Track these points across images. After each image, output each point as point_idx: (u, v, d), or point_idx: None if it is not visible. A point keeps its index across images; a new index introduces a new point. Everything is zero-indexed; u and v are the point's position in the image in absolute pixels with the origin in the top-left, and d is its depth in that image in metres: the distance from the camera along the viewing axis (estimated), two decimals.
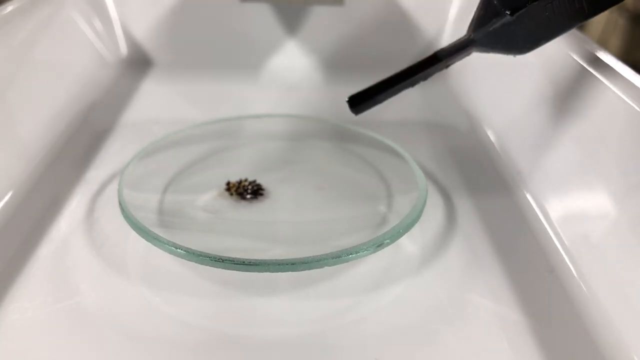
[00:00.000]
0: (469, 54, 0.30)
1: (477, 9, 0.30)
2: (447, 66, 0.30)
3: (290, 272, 0.28)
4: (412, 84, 0.30)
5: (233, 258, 0.26)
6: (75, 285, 0.28)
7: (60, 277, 0.29)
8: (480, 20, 0.30)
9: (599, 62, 0.34)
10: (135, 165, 0.34)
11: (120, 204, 0.30)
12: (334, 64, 0.55)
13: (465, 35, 0.30)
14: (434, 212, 0.34)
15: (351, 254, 0.27)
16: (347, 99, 0.31)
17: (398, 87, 0.30)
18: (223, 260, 0.26)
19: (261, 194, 0.35)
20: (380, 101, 0.31)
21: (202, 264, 0.27)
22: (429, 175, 0.38)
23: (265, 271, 0.26)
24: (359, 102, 0.31)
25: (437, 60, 0.30)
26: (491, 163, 0.40)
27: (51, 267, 0.29)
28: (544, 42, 0.30)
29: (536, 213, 0.34)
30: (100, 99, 0.49)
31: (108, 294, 0.28)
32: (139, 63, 0.55)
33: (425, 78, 0.30)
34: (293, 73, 0.54)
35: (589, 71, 0.34)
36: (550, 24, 0.29)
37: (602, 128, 0.32)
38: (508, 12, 0.28)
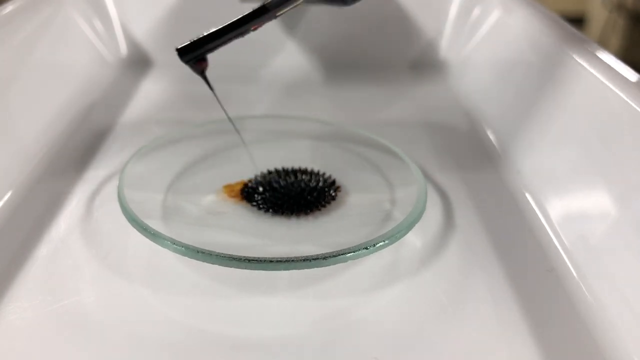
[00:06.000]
0: (297, 4, 0.31)
1: None
2: (276, 16, 0.31)
3: (289, 271, 0.28)
4: (242, 35, 0.31)
5: (258, 257, 0.26)
6: (74, 284, 0.28)
7: (59, 276, 0.29)
8: None
9: (599, 62, 0.34)
10: (135, 164, 0.34)
11: (120, 201, 0.30)
12: (334, 64, 0.55)
13: None
14: (434, 211, 0.34)
15: (354, 251, 0.27)
16: (176, 49, 0.32)
17: (227, 37, 0.31)
18: (249, 261, 0.26)
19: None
20: (209, 50, 0.32)
21: (220, 264, 0.26)
22: (429, 175, 0.38)
23: (291, 269, 0.26)
24: (189, 51, 0.32)
25: (266, 11, 0.31)
26: (491, 163, 0.40)
27: (50, 266, 0.29)
28: None
29: (536, 213, 0.34)
30: (100, 98, 0.49)
31: (108, 293, 0.28)
32: (138, 63, 0.55)
33: (254, 29, 0.31)
34: (293, 73, 0.54)
35: (589, 71, 0.34)
36: None
37: (602, 128, 0.32)
38: None
